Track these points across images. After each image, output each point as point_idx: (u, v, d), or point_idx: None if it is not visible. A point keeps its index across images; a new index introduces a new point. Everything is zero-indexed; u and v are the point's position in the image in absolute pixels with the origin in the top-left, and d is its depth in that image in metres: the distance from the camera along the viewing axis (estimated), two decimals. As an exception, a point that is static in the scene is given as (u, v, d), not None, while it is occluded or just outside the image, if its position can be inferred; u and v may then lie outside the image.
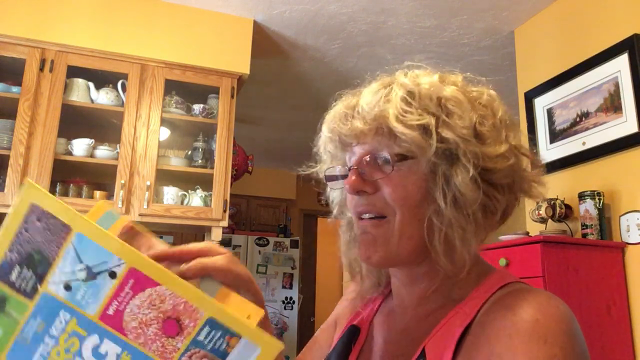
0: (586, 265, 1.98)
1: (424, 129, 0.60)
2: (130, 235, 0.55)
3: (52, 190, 2.45)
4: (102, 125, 2.77)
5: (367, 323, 0.74)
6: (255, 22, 2.92)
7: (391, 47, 3.15)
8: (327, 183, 0.72)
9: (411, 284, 0.67)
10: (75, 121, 2.66)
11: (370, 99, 0.64)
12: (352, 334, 0.73)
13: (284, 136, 4.87)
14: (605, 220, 2.16)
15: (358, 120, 0.64)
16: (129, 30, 2.68)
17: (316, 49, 3.20)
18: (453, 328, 0.59)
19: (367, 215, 0.65)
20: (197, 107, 2.80)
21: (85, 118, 2.70)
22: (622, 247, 2.08)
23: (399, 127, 0.60)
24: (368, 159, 0.64)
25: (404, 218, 0.62)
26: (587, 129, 2.30)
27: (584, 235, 2.14)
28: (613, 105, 2.21)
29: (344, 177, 0.67)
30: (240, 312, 0.58)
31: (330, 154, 0.70)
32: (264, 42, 3.08)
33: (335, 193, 0.74)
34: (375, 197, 0.63)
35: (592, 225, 2.13)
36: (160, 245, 0.55)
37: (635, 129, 2.09)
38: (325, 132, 0.69)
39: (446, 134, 0.60)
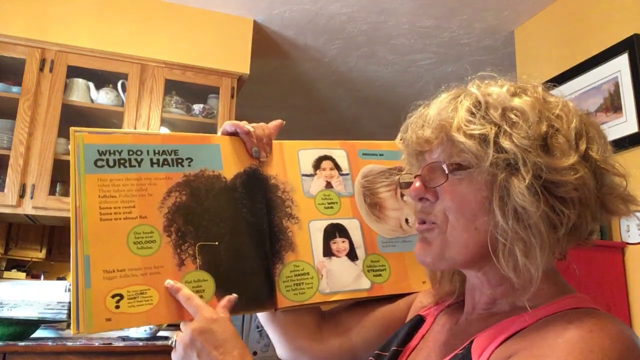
0: (586, 265, 1.98)
1: (484, 139, 0.60)
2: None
3: (52, 191, 2.45)
4: (102, 126, 2.76)
5: (433, 317, 0.76)
6: (255, 22, 2.91)
7: (391, 47, 3.15)
8: (401, 190, 0.78)
9: (481, 287, 0.68)
10: (75, 121, 2.63)
11: (438, 109, 0.66)
12: (417, 323, 0.76)
13: (284, 136, 4.87)
14: (605, 220, 2.16)
15: (426, 129, 0.66)
16: (129, 30, 2.68)
17: (316, 49, 3.20)
18: (508, 327, 0.60)
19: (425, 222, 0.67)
20: (197, 107, 2.80)
21: (85, 118, 2.70)
22: (622, 247, 2.08)
23: (457, 136, 0.62)
24: (430, 167, 0.66)
25: (457, 226, 0.63)
26: (587, 129, 2.30)
27: (584, 235, 2.13)
28: (613, 105, 2.21)
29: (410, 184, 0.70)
30: (418, 275, 0.87)
31: (406, 162, 0.73)
32: (264, 42, 3.08)
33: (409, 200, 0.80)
34: (434, 206, 0.66)
35: (592, 225, 2.13)
36: None
37: (635, 129, 2.09)
38: (399, 141, 0.73)
39: (505, 144, 0.60)
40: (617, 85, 2.20)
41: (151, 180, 0.76)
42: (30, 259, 5.21)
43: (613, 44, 2.23)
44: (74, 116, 2.61)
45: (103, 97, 2.63)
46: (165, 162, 0.77)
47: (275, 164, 0.86)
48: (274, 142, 0.88)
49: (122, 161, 0.75)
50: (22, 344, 1.97)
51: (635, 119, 2.10)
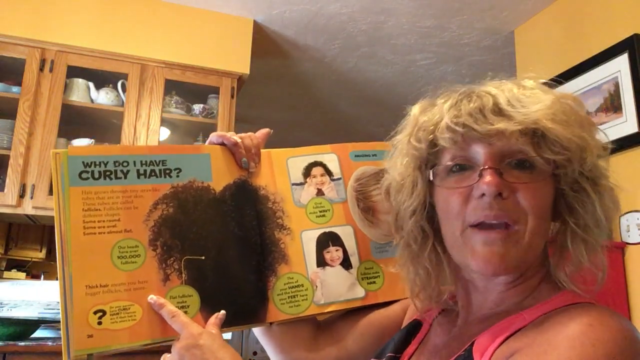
0: (586, 265, 1.98)
1: (581, 143, 0.60)
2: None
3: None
4: (102, 125, 2.76)
5: (430, 320, 0.76)
6: (255, 22, 2.91)
7: (391, 47, 3.15)
8: (439, 179, 0.65)
9: (489, 290, 0.66)
10: (75, 121, 2.65)
11: (519, 98, 0.61)
12: (414, 328, 0.76)
13: (284, 136, 4.87)
14: (605, 220, 2.16)
15: (503, 118, 0.59)
16: (129, 30, 2.68)
17: (316, 49, 3.20)
18: (508, 327, 0.60)
19: (492, 222, 0.60)
20: (197, 107, 2.80)
21: (85, 118, 2.70)
22: (622, 247, 2.08)
23: (560, 131, 0.59)
24: (510, 160, 0.60)
25: (535, 227, 0.60)
26: (587, 129, 2.30)
27: (584, 235, 2.13)
28: (613, 105, 2.21)
29: (460, 175, 0.63)
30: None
31: (453, 148, 0.63)
32: (264, 42, 3.08)
33: (412, 199, 0.67)
34: (509, 202, 0.60)
35: (592, 225, 2.13)
36: None
37: (635, 129, 2.09)
38: (444, 127, 0.62)
39: (588, 158, 0.61)
40: (617, 85, 2.20)
41: (137, 192, 0.74)
42: (30, 259, 5.21)
43: (613, 44, 2.23)
44: (74, 116, 2.61)
45: (103, 97, 2.63)
46: (153, 173, 0.76)
47: (264, 174, 0.85)
48: (262, 151, 0.87)
49: (107, 173, 0.73)
50: (22, 344, 1.96)
51: (635, 119, 2.10)
